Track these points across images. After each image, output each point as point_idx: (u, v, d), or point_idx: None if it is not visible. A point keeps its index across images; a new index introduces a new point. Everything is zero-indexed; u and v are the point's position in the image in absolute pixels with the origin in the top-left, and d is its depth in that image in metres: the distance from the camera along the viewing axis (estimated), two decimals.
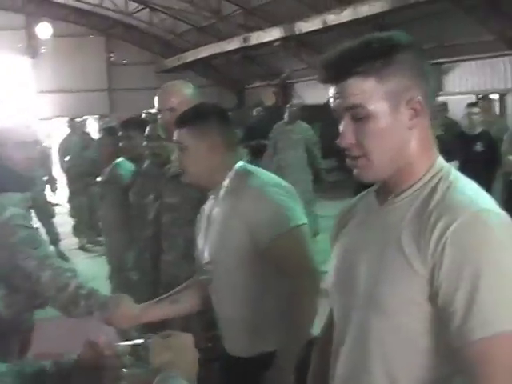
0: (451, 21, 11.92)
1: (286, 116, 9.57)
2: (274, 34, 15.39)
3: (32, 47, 20.44)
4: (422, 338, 1.47)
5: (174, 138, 2.52)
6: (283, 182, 2.51)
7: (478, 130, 7.09)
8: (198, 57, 18.07)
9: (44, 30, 19.36)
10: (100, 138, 7.40)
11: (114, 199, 5.00)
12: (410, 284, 1.45)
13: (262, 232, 2.37)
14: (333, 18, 13.33)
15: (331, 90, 1.52)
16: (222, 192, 2.49)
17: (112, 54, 21.09)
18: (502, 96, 13.31)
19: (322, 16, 13.60)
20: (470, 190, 1.49)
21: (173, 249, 3.30)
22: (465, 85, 13.96)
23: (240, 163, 2.54)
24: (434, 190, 1.50)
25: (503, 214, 1.46)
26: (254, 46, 16.19)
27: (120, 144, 5.03)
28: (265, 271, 2.40)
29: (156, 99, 3.34)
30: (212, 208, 2.55)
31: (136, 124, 4.88)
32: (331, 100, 1.53)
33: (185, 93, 3.30)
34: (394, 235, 1.49)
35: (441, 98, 13.67)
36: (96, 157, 6.47)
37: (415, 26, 12.87)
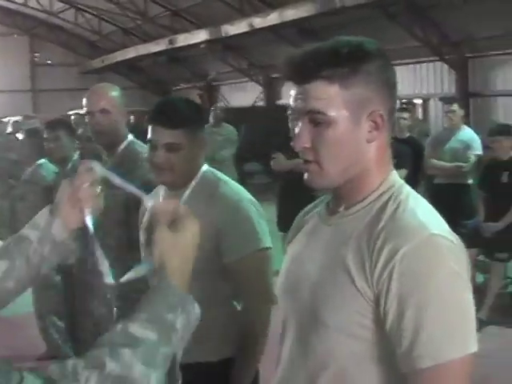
0: (376, 27, 12.08)
1: (210, 118, 9.63)
2: (200, 36, 15.45)
3: None
4: (364, 357, 1.44)
5: (162, 139, 2.38)
6: (253, 198, 2.49)
7: (406, 134, 7.22)
8: (124, 58, 17.93)
9: None
10: (23, 139, 7.39)
11: (35, 200, 4.87)
12: (354, 303, 1.41)
13: (230, 245, 2.35)
14: (259, 22, 13.45)
15: (293, 91, 1.45)
16: (187, 192, 2.45)
17: (36, 55, 20.85)
18: (425, 101, 13.61)
19: (249, 19, 13.73)
20: (420, 211, 1.42)
21: (104, 249, 3.19)
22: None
23: (205, 166, 2.52)
24: (383, 208, 1.45)
25: (453, 238, 1.40)
26: (180, 48, 16.18)
27: (45, 145, 4.90)
28: (220, 281, 2.38)
29: (85, 101, 3.29)
30: None
31: (63, 125, 4.87)
32: (292, 100, 1.46)
33: (114, 95, 3.29)
34: (341, 252, 1.43)
35: None
36: (19, 158, 6.45)
37: (340, 32, 12.95)
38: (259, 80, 18.29)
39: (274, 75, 17.97)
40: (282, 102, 17.92)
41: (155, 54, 17.15)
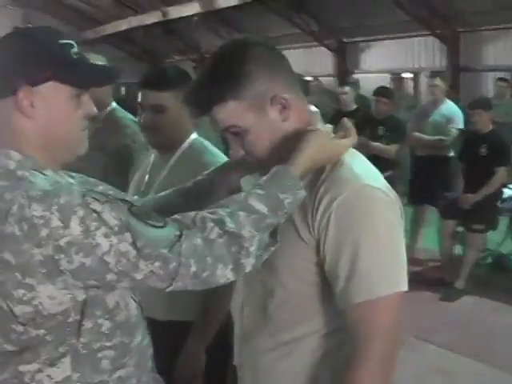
0: (368, 1, 12.09)
1: None
2: (193, 8, 15.37)
3: None
4: (309, 298, 1.62)
5: (149, 101, 2.56)
6: None
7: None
8: (117, 30, 17.97)
9: None
10: None
11: None
12: (297, 250, 1.59)
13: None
14: None
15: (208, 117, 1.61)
16: (174, 157, 2.59)
17: (29, 25, 20.28)
18: (416, 75, 13.60)
19: None
20: (357, 167, 1.60)
21: None
22: (380, 64, 14.24)
23: (195, 135, 2.66)
24: (323, 166, 1.61)
25: (387, 190, 1.58)
26: (173, 20, 16.15)
27: None
28: None
29: None
30: (157, 169, 2.64)
31: None
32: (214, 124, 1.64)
33: None
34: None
35: (357, 76, 14.15)
36: None
37: (333, 5, 13.06)
38: None
39: None
40: None
41: (148, 25, 17.14)
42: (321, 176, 1.59)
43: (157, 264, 1.42)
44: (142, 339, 1.64)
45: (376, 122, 7.08)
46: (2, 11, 20.14)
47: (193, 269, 1.45)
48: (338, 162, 1.60)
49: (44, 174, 1.48)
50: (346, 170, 1.58)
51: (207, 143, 2.69)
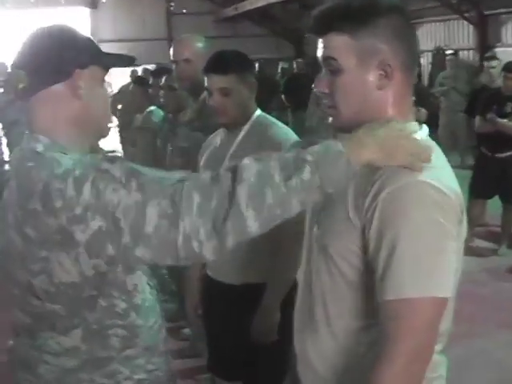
0: None
1: None
2: None
3: None
4: (356, 283, 1.60)
5: (215, 84, 2.78)
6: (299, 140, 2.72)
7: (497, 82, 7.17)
8: (255, 6, 17.83)
9: None
10: (132, 87, 7.57)
11: (145, 145, 5.29)
12: (345, 229, 1.56)
13: None
14: None
15: (318, 42, 1.63)
16: (242, 133, 2.81)
17: (171, 4, 21.15)
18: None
19: None
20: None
21: None
22: None
23: (259, 111, 2.88)
24: None
25: (449, 193, 1.49)
26: None
27: (150, 92, 5.46)
28: None
29: (171, 51, 3.65)
30: (226, 145, 2.85)
31: (165, 72, 5.02)
32: (317, 50, 1.64)
33: (198, 45, 3.62)
34: (344, 188, 1.56)
35: (498, 50, 13.45)
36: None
37: None
38: None
39: None
40: None
41: (286, 1, 17.08)
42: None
43: (164, 202, 1.44)
44: (154, 322, 1.71)
45: (504, 99, 6.71)
46: None
47: (196, 200, 1.44)
48: None
49: (70, 155, 1.57)
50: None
51: (271, 118, 2.90)
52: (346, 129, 1.61)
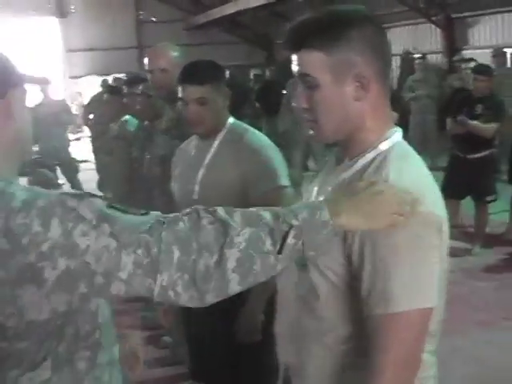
0: None
1: None
2: None
3: (61, 7, 20.76)
4: (345, 293, 1.61)
5: (191, 95, 2.79)
6: (273, 145, 2.85)
7: None
8: (225, 13, 18.00)
9: None
10: (106, 97, 8.05)
11: (121, 154, 5.24)
12: (335, 246, 1.56)
13: (254, 183, 2.70)
14: None
15: (293, 57, 1.65)
16: (217, 141, 2.84)
17: (141, 12, 21.27)
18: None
19: None
20: (406, 174, 1.55)
21: (162, 195, 3.62)
22: (489, 40, 13.77)
23: (232, 119, 2.92)
24: (366, 166, 1.61)
25: (431, 203, 1.54)
26: (278, 1, 15.96)
27: (125, 101, 5.35)
28: None
29: (146, 60, 3.66)
30: (201, 153, 2.87)
31: (139, 81, 4.96)
32: (293, 66, 1.66)
33: (173, 54, 3.62)
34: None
35: (465, 52, 13.63)
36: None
37: None
38: None
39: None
40: None
41: (256, 8, 16.92)
42: (362, 171, 1.60)
43: (139, 251, 1.38)
44: (112, 334, 1.67)
45: (475, 101, 6.86)
46: None
47: (176, 254, 1.39)
48: (385, 166, 1.57)
49: (15, 184, 1.47)
50: (383, 174, 1.55)
51: (245, 124, 2.93)
52: (328, 141, 1.67)
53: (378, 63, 1.61)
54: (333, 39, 1.57)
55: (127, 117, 5.34)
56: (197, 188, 2.81)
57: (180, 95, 2.84)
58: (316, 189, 1.76)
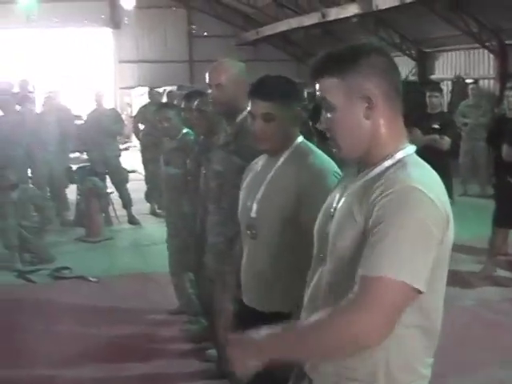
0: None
1: None
2: (351, 9, 15.23)
3: (115, 18, 21.01)
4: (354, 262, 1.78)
5: (259, 109, 2.79)
6: (338, 170, 2.73)
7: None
8: (277, 31, 18.20)
9: (127, 1, 19.64)
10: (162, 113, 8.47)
11: (179, 166, 5.35)
12: (352, 230, 1.80)
13: (307, 206, 2.63)
14: None
15: (316, 86, 1.91)
16: (281, 159, 2.82)
17: (193, 27, 21.49)
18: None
19: None
20: (416, 172, 1.79)
21: (218, 211, 3.66)
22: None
23: (301, 138, 2.89)
24: (384, 171, 1.83)
25: (436, 199, 1.74)
26: (331, 21, 16.11)
27: (182, 115, 5.45)
28: (296, 238, 2.65)
29: (206, 75, 3.62)
30: (265, 170, 2.86)
31: (197, 95, 4.92)
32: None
33: (233, 71, 3.57)
34: (351, 202, 1.84)
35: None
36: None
37: (494, 6, 12.82)
38: (412, 54, 17.74)
39: (427, 49, 17.44)
40: (435, 76, 17.41)
41: (307, 26, 17.34)
42: (380, 178, 1.80)
43: None
44: None
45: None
46: (168, 12, 21.26)
47: None
48: (401, 169, 1.79)
49: None
50: (403, 173, 1.77)
51: (312, 145, 2.90)
52: (350, 157, 1.93)
53: (385, 86, 1.84)
54: (344, 67, 1.81)
55: (187, 130, 5.46)
56: (255, 206, 2.81)
57: (249, 109, 2.85)
58: (338, 195, 1.96)
